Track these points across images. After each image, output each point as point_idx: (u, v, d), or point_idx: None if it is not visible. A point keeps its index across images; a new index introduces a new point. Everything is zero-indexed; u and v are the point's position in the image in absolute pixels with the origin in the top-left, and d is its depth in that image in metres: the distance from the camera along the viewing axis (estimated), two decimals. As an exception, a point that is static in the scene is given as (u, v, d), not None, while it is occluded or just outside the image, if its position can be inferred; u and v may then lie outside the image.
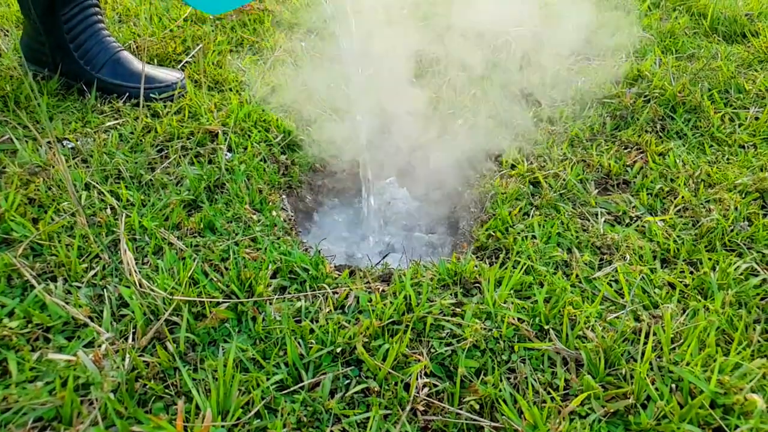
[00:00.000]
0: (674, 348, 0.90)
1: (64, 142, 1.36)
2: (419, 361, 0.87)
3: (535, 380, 0.86)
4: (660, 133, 1.53)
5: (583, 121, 1.56)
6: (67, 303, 0.93)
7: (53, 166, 1.23)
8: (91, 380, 0.76)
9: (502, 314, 0.94)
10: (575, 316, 0.95)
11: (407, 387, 0.84)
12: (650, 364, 0.86)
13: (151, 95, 1.53)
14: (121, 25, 1.98)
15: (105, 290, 0.97)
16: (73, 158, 1.30)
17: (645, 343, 0.89)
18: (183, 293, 0.95)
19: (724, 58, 1.87)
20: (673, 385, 0.83)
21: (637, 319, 0.96)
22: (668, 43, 2.00)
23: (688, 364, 0.85)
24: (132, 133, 1.40)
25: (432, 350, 0.89)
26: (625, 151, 1.45)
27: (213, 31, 1.98)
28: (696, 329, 0.89)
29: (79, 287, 0.98)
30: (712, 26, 2.15)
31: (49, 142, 1.28)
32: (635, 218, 1.23)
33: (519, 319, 0.94)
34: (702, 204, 1.25)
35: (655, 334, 0.90)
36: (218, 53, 1.84)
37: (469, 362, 0.87)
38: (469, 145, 1.45)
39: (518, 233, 1.15)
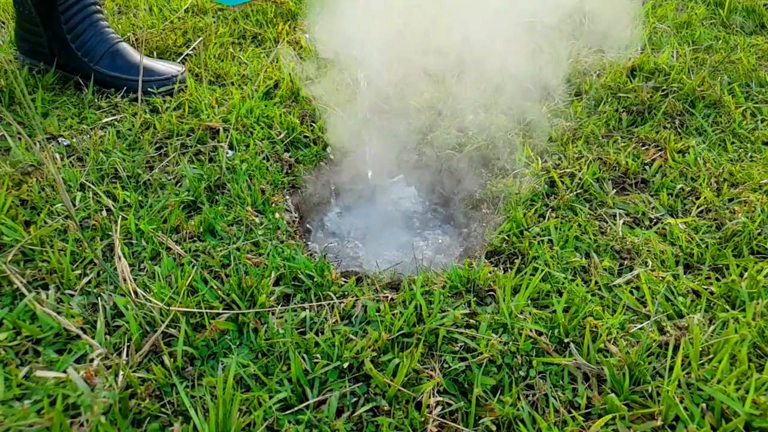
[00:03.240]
0: (703, 363, 0.84)
1: (60, 140, 1.31)
2: (431, 377, 0.82)
3: (555, 398, 0.80)
4: (679, 129, 1.47)
5: (599, 116, 1.50)
6: (58, 313, 0.88)
7: (47, 165, 1.17)
8: (81, 402, 0.71)
9: (519, 326, 0.88)
10: (596, 327, 0.89)
11: (419, 406, 0.79)
12: (678, 381, 0.81)
13: (149, 89, 1.48)
14: (121, 16, 1.93)
15: (99, 298, 0.92)
16: (68, 156, 1.25)
17: (672, 358, 0.83)
18: (181, 303, 0.90)
19: (743, 50, 1.80)
20: (704, 405, 0.77)
21: (662, 330, 0.91)
22: (685, 34, 1.93)
23: (719, 382, 0.80)
24: (130, 129, 1.35)
25: (445, 365, 0.84)
26: (643, 148, 1.39)
27: (215, 22, 1.92)
28: (727, 343, 0.84)
29: (72, 295, 0.93)
30: (730, 17, 2.07)
31: (39, 142, 1.23)
32: (655, 220, 1.18)
33: (537, 331, 0.89)
34: (725, 205, 1.19)
35: (682, 347, 0.85)
36: (220, 46, 1.78)
37: (484, 379, 0.81)
38: (480, 142, 1.39)
39: (534, 237, 1.09)
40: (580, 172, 1.28)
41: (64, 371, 0.77)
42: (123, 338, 0.85)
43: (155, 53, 1.72)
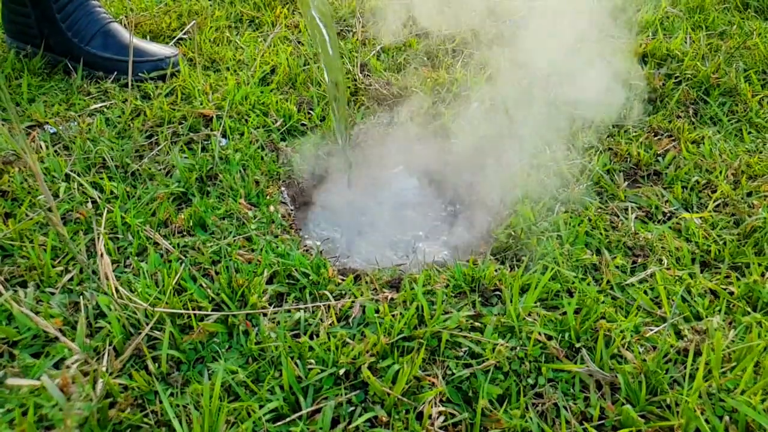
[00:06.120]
0: (725, 372, 0.78)
1: (46, 127, 1.25)
2: (434, 385, 0.76)
3: (566, 408, 0.75)
4: (693, 119, 1.40)
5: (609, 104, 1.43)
6: (37, 313, 0.82)
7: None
8: (52, 416, 0.66)
9: (527, 329, 0.83)
10: (609, 331, 0.84)
11: (420, 416, 0.74)
12: (698, 391, 0.75)
13: (140, 73, 1.41)
14: (112, -2, 1.86)
15: (81, 297, 0.86)
16: (54, 145, 1.19)
17: (692, 366, 0.78)
18: (167, 303, 0.84)
19: (759, 36, 1.73)
20: (727, 418, 0.72)
21: (679, 334, 0.85)
22: (698, 18, 1.86)
23: (743, 393, 0.74)
24: (119, 117, 1.29)
25: (448, 372, 0.78)
26: (656, 138, 1.33)
27: (210, 5, 1.85)
28: (751, 350, 0.78)
29: (52, 294, 0.87)
30: (744, 1, 2.00)
31: (20, 129, 1.17)
32: (669, 214, 1.12)
33: (546, 335, 0.83)
34: (744, 199, 1.13)
35: (702, 353, 0.79)
36: (215, 29, 1.71)
37: (490, 387, 0.76)
38: (485, 131, 1.33)
39: (542, 232, 1.04)
40: (590, 163, 1.22)
41: (39, 378, 0.72)
42: (105, 341, 0.80)
43: (148, 36, 1.66)
